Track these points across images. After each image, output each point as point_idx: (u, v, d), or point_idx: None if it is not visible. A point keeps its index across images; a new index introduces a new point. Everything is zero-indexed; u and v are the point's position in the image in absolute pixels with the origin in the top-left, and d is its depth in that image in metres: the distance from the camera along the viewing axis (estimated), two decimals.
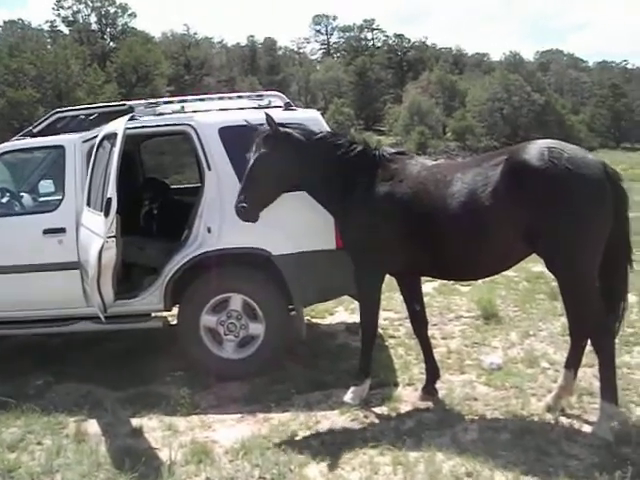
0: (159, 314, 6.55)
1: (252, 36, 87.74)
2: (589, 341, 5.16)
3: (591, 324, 4.86)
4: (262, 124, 5.75)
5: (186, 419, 5.35)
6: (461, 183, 4.96)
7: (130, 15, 71.40)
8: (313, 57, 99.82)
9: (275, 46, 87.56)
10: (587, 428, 4.97)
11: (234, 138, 5.91)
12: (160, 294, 6.11)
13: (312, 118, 6.30)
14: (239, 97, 6.70)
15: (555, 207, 4.64)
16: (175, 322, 6.54)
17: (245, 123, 5.72)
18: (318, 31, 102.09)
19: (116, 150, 5.20)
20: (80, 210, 6.00)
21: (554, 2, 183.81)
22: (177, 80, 60.69)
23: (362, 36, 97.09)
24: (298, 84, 68.34)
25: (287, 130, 5.48)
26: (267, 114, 5.38)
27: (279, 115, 6.24)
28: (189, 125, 6.10)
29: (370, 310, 5.58)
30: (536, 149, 4.76)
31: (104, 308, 5.55)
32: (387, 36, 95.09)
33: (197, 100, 6.67)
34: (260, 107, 6.49)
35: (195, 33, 71.63)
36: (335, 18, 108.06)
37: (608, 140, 59.92)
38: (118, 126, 5.42)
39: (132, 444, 4.92)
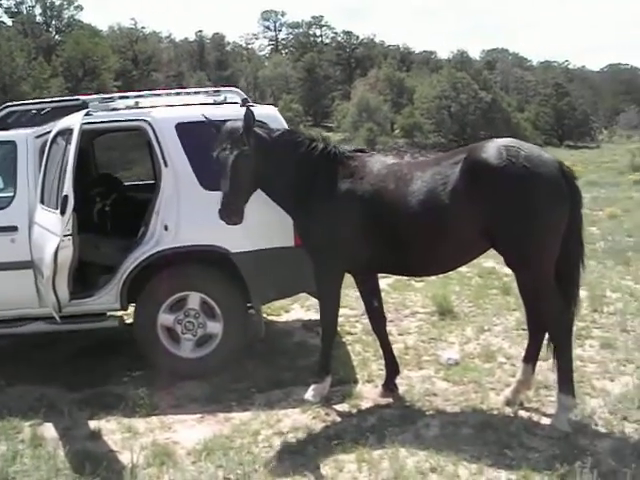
0: (115, 313, 6.39)
1: (200, 31, 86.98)
2: (546, 335, 5.27)
3: (549, 319, 4.95)
4: (220, 120, 5.70)
5: (145, 420, 5.25)
6: (421, 181, 4.99)
7: (76, 8, 69.83)
8: (261, 53, 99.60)
9: (224, 42, 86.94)
10: (545, 420, 5.08)
11: (191, 134, 5.84)
12: (116, 293, 5.98)
13: (270, 115, 6.23)
14: (196, 93, 6.59)
15: (513, 204, 4.71)
16: (131, 321, 6.40)
17: (203, 119, 5.63)
18: (266, 27, 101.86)
19: (72, 146, 5.06)
20: (33, 208, 5.83)
21: (498, 1, 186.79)
22: (124, 75, 59.59)
23: (310, 32, 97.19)
24: (247, 80, 67.94)
25: (257, 131, 5.36)
26: (248, 109, 5.24)
27: (237, 111, 6.20)
28: (145, 121, 5.98)
29: (330, 308, 5.57)
30: (494, 148, 4.82)
31: (59, 308, 5.41)
32: (335, 33, 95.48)
33: (154, 95, 6.57)
34: (216, 103, 6.41)
35: (143, 27, 70.54)
36: (284, 14, 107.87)
37: (552, 138, 61.22)
38: (74, 121, 5.29)
39: (91, 447, 4.80)
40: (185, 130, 5.91)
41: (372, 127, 57.19)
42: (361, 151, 5.65)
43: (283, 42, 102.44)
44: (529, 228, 4.70)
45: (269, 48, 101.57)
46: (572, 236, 4.91)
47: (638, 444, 4.68)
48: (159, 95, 6.61)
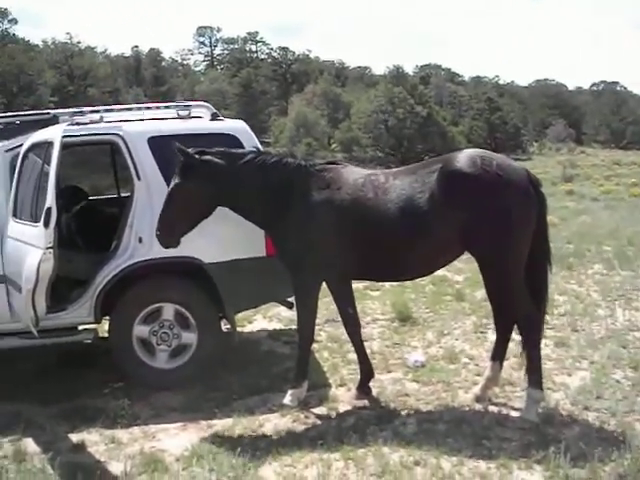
0: (89, 327, 6.39)
1: (136, 46, 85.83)
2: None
3: (520, 315, 5.25)
4: (189, 134, 5.89)
5: (127, 431, 5.30)
6: (400, 189, 5.24)
7: (10, 21, 68.36)
8: (197, 69, 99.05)
9: (160, 57, 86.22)
10: (515, 414, 5.38)
11: (163, 148, 5.91)
12: (90, 306, 6.00)
13: (240, 129, 6.39)
14: (166, 107, 6.69)
15: (488, 210, 5.01)
16: (106, 334, 6.42)
17: (174, 133, 5.78)
18: (202, 43, 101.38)
19: (54, 159, 5.10)
20: (4, 222, 5.82)
21: (429, 18, 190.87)
22: (60, 90, 58.34)
23: (246, 48, 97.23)
24: (183, 95, 67.23)
25: (205, 158, 5.53)
26: (178, 146, 5.42)
27: (206, 125, 6.36)
28: (117, 135, 6.05)
29: (308, 316, 5.74)
30: (469, 157, 5.13)
31: (36, 322, 5.41)
32: (271, 49, 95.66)
33: (124, 109, 6.64)
34: (182, 117, 6.50)
35: (78, 42, 69.24)
36: (219, 30, 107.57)
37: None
38: (53, 135, 5.33)
39: (78, 459, 4.82)
40: (157, 144, 5.99)
41: (310, 142, 57.52)
42: (334, 163, 5.86)
43: (219, 58, 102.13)
44: (502, 231, 5.01)
45: (205, 64, 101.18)
46: (539, 238, 5.24)
47: (601, 430, 5.05)
48: (130, 109, 6.68)
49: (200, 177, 5.46)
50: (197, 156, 5.48)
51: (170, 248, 5.61)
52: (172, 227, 5.51)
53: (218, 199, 5.63)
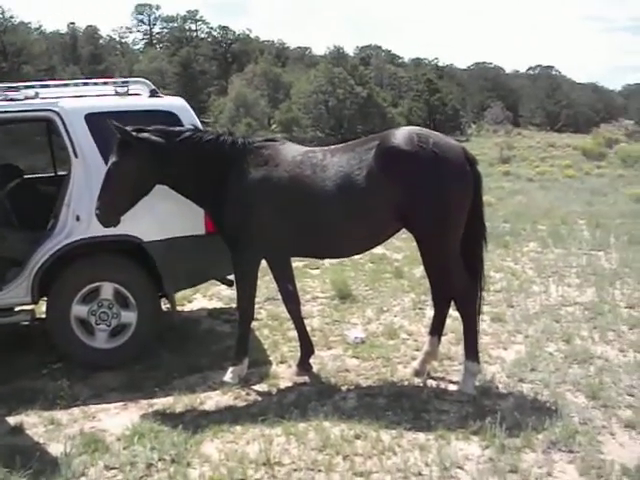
0: (26, 307, 6.25)
1: (73, 23, 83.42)
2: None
3: (458, 290, 5.37)
4: (128, 111, 5.81)
5: (67, 412, 5.22)
6: (338, 166, 5.27)
7: None
8: (136, 47, 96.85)
9: (97, 35, 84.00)
10: (452, 387, 5.54)
11: (101, 125, 5.79)
12: (27, 286, 5.86)
13: (179, 106, 6.32)
14: (104, 83, 6.54)
15: (424, 186, 5.09)
16: (43, 315, 6.29)
17: (113, 109, 5.68)
18: (141, 21, 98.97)
19: None
20: None
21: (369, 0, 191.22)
22: None
23: (186, 27, 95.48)
24: (121, 74, 65.75)
25: (142, 136, 5.47)
26: (114, 124, 5.35)
27: (144, 102, 6.26)
28: (53, 111, 5.90)
29: (247, 293, 5.75)
30: (405, 135, 5.19)
31: None
32: (211, 28, 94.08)
33: (61, 85, 6.47)
34: (119, 94, 6.38)
35: (11, 17, 66.74)
36: (158, 8, 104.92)
37: None
38: None
39: (16, 442, 4.72)
40: (95, 121, 5.86)
41: (250, 122, 57.07)
42: (273, 140, 5.85)
43: (158, 36, 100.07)
44: (438, 207, 5.10)
45: (143, 42, 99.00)
46: (475, 215, 5.35)
47: (535, 400, 5.24)
48: (67, 85, 6.51)
49: (137, 155, 5.41)
50: (134, 134, 5.41)
51: (110, 227, 5.54)
52: (111, 206, 5.44)
53: (156, 177, 5.58)
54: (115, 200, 5.44)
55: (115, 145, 5.43)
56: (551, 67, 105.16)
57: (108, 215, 5.47)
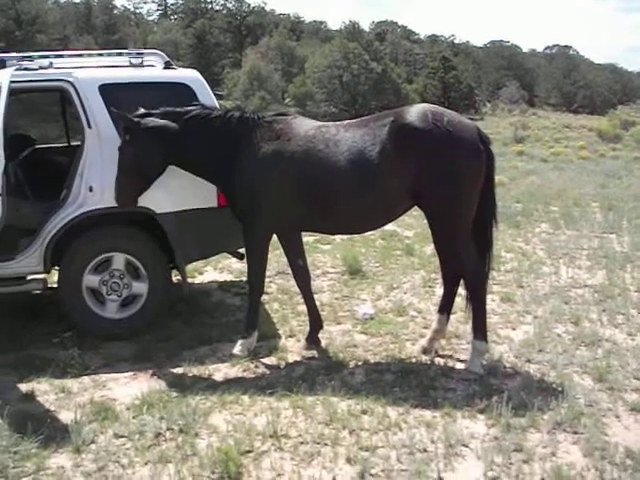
0: (38, 276, 6.31)
1: None
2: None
3: (467, 269, 5.37)
4: (142, 82, 5.82)
5: (77, 380, 5.28)
6: (351, 142, 5.26)
7: None
8: (150, 18, 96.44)
9: (111, 5, 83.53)
10: (460, 365, 5.56)
11: (115, 96, 5.81)
12: (40, 256, 5.91)
13: (193, 78, 6.31)
14: (119, 54, 6.54)
15: (437, 164, 5.08)
16: (55, 284, 6.35)
17: (127, 80, 5.70)
18: None
19: (1, 105, 4.97)
20: None
21: None
22: (7, 35, 56.02)
23: None
24: (136, 45, 65.46)
25: (147, 122, 5.53)
26: (117, 112, 5.46)
27: (159, 74, 6.26)
28: (68, 81, 5.89)
29: (258, 267, 5.78)
30: (420, 112, 5.16)
31: None
32: (226, 0, 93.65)
33: (75, 55, 6.47)
34: (134, 65, 6.38)
35: None
36: None
37: None
38: (1, 79, 5.16)
39: (28, 408, 4.78)
40: (109, 91, 5.87)
41: (264, 96, 56.85)
42: (284, 114, 5.84)
43: (172, 7, 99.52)
44: (451, 186, 5.09)
45: (158, 13, 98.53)
46: (486, 195, 5.34)
47: (541, 381, 5.25)
48: (80, 55, 6.51)
49: (142, 141, 5.51)
50: (137, 120, 5.49)
51: (127, 207, 5.68)
52: (125, 188, 5.58)
53: (164, 160, 5.67)
54: (128, 183, 5.56)
55: (122, 130, 5.53)
56: (569, 47, 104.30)
57: (124, 197, 5.62)
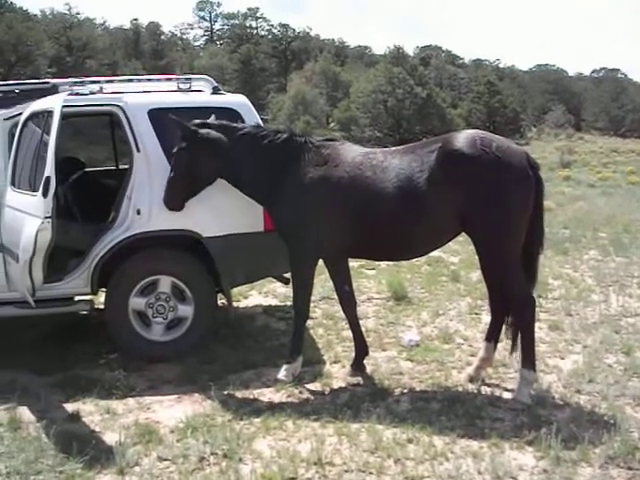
0: (85, 298, 6.40)
1: (136, 19, 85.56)
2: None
3: (515, 297, 5.27)
4: (190, 107, 5.91)
5: (122, 402, 5.32)
6: (399, 168, 5.24)
7: None
8: (197, 43, 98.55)
9: (159, 31, 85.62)
10: (507, 395, 5.42)
11: (163, 120, 5.89)
12: (87, 277, 6.00)
13: (241, 103, 6.38)
14: (168, 79, 6.65)
15: (486, 191, 5.02)
16: (102, 306, 6.43)
17: (175, 105, 5.81)
18: (202, 17, 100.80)
19: (54, 128, 5.08)
20: (3, 190, 5.80)
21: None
22: (58, 61, 57.84)
23: (246, 24, 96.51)
24: (182, 70, 66.89)
25: (203, 132, 5.64)
26: (172, 118, 5.59)
27: (207, 99, 6.34)
28: (118, 106, 6.02)
29: (304, 292, 5.76)
30: (468, 138, 5.12)
31: (33, 292, 5.42)
32: (271, 25, 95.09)
33: (125, 81, 6.60)
34: (182, 90, 6.48)
35: (77, 13, 68.62)
36: (219, 5, 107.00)
37: None
38: (53, 104, 5.29)
39: (73, 429, 4.83)
40: (158, 116, 5.97)
41: (309, 120, 57.40)
42: (332, 140, 5.85)
43: (218, 33, 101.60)
44: (500, 212, 5.02)
45: (204, 39, 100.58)
46: (535, 222, 5.25)
47: (592, 413, 5.08)
48: (130, 80, 6.63)
49: (196, 149, 5.62)
50: (193, 128, 5.60)
51: (173, 210, 5.77)
52: (174, 191, 5.71)
53: (215, 171, 5.76)
54: (178, 187, 5.70)
55: (178, 137, 5.66)
56: (616, 70, 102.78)
57: (173, 200, 5.76)
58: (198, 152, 5.63)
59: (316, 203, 5.44)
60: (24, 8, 66.13)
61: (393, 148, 5.60)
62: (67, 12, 67.20)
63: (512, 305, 5.37)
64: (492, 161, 4.99)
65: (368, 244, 5.50)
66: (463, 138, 5.15)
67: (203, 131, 5.65)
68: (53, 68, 55.03)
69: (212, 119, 5.77)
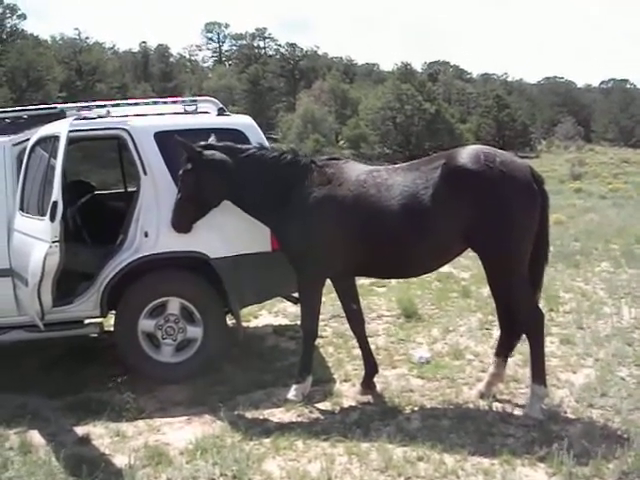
0: (95, 320, 6.42)
1: (144, 42, 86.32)
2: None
3: (524, 313, 5.24)
4: (196, 129, 5.94)
5: (132, 424, 5.32)
6: (403, 186, 5.24)
7: (19, 17, 67.90)
8: (205, 65, 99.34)
9: (167, 53, 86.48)
10: (518, 411, 5.37)
11: (170, 143, 5.93)
12: (96, 300, 6.03)
13: (246, 124, 6.41)
14: (174, 102, 6.71)
15: (491, 206, 5.01)
16: (111, 328, 6.45)
17: (181, 128, 5.85)
18: (210, 39, 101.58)
19: (60, 153, 5.13)
20: (12, 215, 5.85)
21: (437, 15, 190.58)
22: (69, 86, 58.49)
23: (254, 44, 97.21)
24: (191, 91, 67.43)
25: (208, 154, 5.68)
26: (178, 139, 5.62)
27: (212, 120, 6.38)
28: (124, 129, 6.07)
29: (312, 311, 5.75)
30: (472, 153, 5.12)
31: (42, 315, 5.44)
32: (279, 45, 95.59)
33: (132, 104, 6.66)
34: (188, 112, 6.53)
35: (87, 38, 69.50)
36: (227, 26, 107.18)
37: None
38: (60, 129, 5.35)
39: (83, 452, 4.83)
40: (164, 139, 6.01)
41: (318, 138, 57.58)
42: (336, 159, 5.87)
43: (227, 54, 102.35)
44: (505, 227, 5.01)
45: (213, 60, 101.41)
46: (540, 236, 5.23)
47: (605, 427, 5.03)
48: (137, 104, 6.69)
49: (201, 171, 5.66)
50: (198, 150, 5.64)
51: (181, 232, 5.80)
52: (182, 213, 5.74)
53: (220, 192, 5.78)
54: (185, 208, 5.73)
55: (184, 159, 5.69)
56: (625, 80, 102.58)
57: (180, 222, 5.79)
58: (203, 174, 5.66)
59: (321, 223, 5.45)
60: (35, 34, 66.89)
61: (398, 165, 5.61)
62: (77, 37, 68.06)
63: (521, 320, 5.34)
64: (496, 176, 4.99)
65: (374, 262, 5.50)
66: (467, 154, 5.15)
67: (208, 152, 5.69)
68: (64, 92, 55.54)
69: (212, 139, 5.80)
